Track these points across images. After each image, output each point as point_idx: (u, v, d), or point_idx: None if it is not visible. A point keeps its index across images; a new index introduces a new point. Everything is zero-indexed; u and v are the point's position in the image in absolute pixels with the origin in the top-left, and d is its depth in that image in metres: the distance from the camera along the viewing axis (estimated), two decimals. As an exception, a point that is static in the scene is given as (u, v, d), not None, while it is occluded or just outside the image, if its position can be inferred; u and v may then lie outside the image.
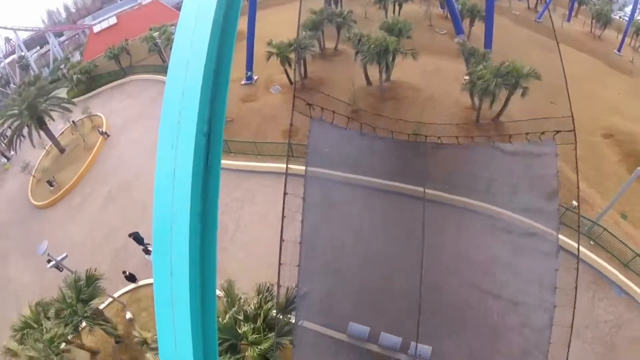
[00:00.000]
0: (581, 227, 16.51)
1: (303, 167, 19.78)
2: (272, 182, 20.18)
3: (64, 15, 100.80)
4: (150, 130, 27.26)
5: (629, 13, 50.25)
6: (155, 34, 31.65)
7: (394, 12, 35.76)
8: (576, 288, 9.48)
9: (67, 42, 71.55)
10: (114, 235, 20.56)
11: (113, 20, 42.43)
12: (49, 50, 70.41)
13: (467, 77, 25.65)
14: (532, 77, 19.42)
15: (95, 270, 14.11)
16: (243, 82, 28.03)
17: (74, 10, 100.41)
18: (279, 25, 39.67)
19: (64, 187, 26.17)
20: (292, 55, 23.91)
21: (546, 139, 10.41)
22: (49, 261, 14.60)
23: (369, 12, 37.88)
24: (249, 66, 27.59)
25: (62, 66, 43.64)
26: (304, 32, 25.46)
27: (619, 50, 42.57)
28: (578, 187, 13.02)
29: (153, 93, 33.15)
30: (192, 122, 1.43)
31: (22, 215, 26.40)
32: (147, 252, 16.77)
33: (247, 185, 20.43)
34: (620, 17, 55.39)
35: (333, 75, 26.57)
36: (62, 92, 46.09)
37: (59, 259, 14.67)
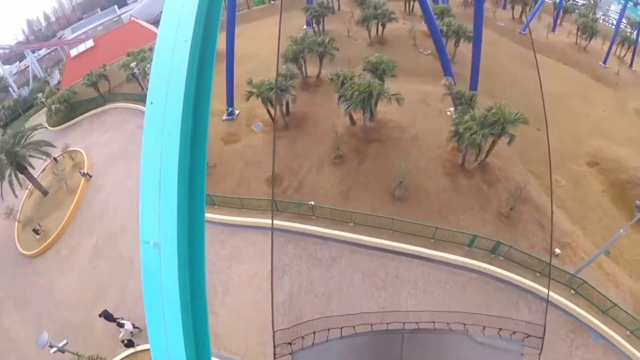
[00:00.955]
0: (562, 278, 16.52)
1: (289, 223, 19.61)
2: (258, 238, 19.86)
3: (43, 23, 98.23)
4: (132, 174, 26.82)
5: (614, 17, 50.28)
6: (133, 64, 30.66)
7: (377, 32, 35.15)
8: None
9: (46, 57, 69.54)
10: (104, 293, 20.31)
11: (90, 44, 41.08)
12: (28, 66, 68.43)
13: (450, 112, 25.44)
14: (520, 123, 19.10)
15: (97, 357, 14.08)
16: (224, 118, 27.34)
17: (53, 19, 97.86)
18: (259, 41, 39.00)
19: (51, 235, 25.67)
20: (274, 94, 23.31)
21: (515, 341, 10.18)
22: (51, 346, 14.77)
23: (352, 30, 37.27)
24: (230, 102, 26.90)
25: (41, 95, 42.26)
26: (284, 65, 24.80)
27: (604, 62, 42.57)
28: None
29: (133, 125, 32.36)
30: (173, 172, 1.39)
31: (11, 263, 25.92)
32: (120, 325, 16.51)
33: (233, 241, 20.03)
34: (603, 19, 55.48)
35: (316, 110, 26.02)
36: (42, 117, 45.14)
37: (60, 345, 14.95)
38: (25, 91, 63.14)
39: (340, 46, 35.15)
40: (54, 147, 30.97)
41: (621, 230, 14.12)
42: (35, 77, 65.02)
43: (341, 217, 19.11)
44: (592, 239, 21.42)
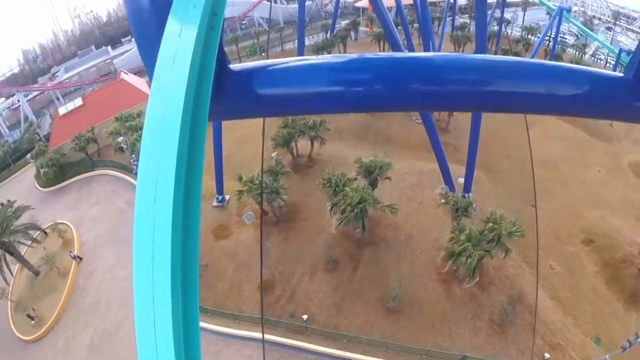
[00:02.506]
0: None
1: (282, 339, 19.08)
2: (253, 351, 19.38)
3: (39, 56, 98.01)
4: (123, 262, 26.22)
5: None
6: (120, 139, 30.03)
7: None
8: None
9: (37, 97, 68.89)
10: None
11: (79, 102, 40.50)
12: (19, 105, 67.70)
13: (441, 193, 24.97)
14: (517, 236, 18.63)
15: None
16: (215, 204, 26.72)
17: (49, 48, 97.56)
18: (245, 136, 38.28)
19: (45, 321, 25.00)
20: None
21: None
22: None
23: None
24: (219, 189, 26.34)
25: (29, 156, 41.71)
26: (272, 155, 24.32)
27: (598, 111, 42.48)
28: None
29: (122, 202, 31.73)
30: (166, 273, 1.42)
31: (9, 347, 25.00)
32: None
33: (229, 354, 19.48)
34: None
35: (308, 201, 25.46)
36: (31, 171, 44.38)
37: None
38: (16, 134, 62.42)
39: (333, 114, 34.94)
40: (42, 230, 30.61)
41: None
42: (26, 118, 64.28)
43: (335, 335, 18.93)
44: (583, 328, 21.36)
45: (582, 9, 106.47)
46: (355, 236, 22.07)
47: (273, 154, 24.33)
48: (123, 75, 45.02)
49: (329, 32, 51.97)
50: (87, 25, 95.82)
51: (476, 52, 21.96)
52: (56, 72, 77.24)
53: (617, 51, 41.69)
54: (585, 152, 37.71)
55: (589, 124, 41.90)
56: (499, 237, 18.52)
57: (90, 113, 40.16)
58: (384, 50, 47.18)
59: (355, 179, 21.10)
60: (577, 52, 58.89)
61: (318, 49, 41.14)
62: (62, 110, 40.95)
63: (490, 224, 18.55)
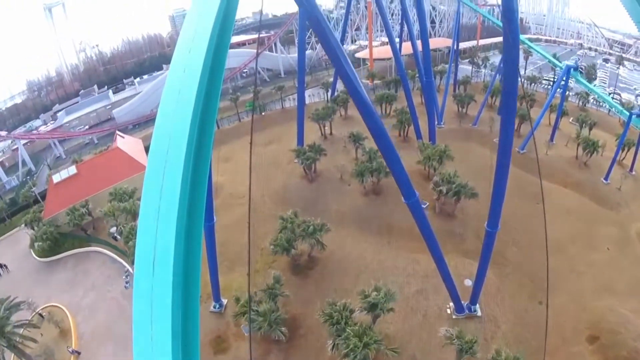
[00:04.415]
0: None
1: None
2: None
3: (43, 88, 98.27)
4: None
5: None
6: (112, 229, 29.20)
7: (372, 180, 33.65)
8: None
9: (36, 140, 68.50)
10: None
11: (73, 171, 39.78)
12: (17, 148, 67.32)
13: (449, 309, 23.90)
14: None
15: None
16: (211, 309, 25.71)
17: (54, 79, 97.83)
18: (247, 169, 37.80)
19: None
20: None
21: None
22: None
23: (345, 171, 35.85)
24: (216, 296, 25.33)
25: (23, 225, 41.11)
26: (273, 272, 23.33)
27: (606, 178, 41.52)
28: None
29: (118, 292, 30.82)
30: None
31: None
32: None
33: None
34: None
35: (308, 312, 24.23)
36: (26, 234, 43.52)
37: None
38: (14, 181, 61.89)
39: (332, 193, 34.07)
40: (38, 312, 30.20)
41: None
42: (24, 164, 63.79)
43: None
44: None
45: (579, 42, 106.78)
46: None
47: (274, 272, 23.32)
48: (119, 140, 44.38)
49: (329, 91, 51.39)
50: (91, 60, 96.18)
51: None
52: (58, 111, 77.13)
53: (628, 114, 40.84)
54: (594, 227, 36.55)
55: (596, 190, 40.98)
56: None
57: (85, 183, 39.48)
58: (386, 112, 46.60)
59: (357, 310, 20.05)
60: (580, 101, 58.31)
61: (319, 119, 40.45)
62: (56, 178, 40.23)
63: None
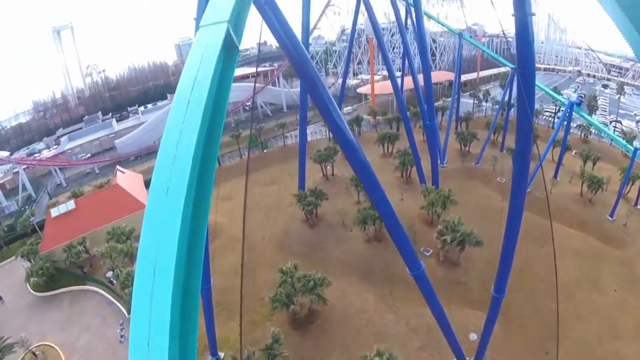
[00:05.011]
0: None
1: None
2: None
3: (49, 109, 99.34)
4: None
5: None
6: (109, 274, 28.60)
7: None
8: None
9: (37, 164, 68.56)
10: None
11: (71, 205, 39.53)
12: (17, 171, 67.29)
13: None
14: None
15: None
16: (208, 362, 24.78)
17: (60, 102, 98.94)
18: (249, 211, 37.35)
19: None
20: None
21: None
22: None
23: (347, 217, 35.32)
24: (213, 350, 24.46)
25: (20, 257, 40.70)
26: (272, 329, 22.51)
27: (611, 215, 40.94)
28: None
29: (113, 335, 29.96)
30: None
31: None
32: None
33: None
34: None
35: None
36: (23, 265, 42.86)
37: None
38: (13, 206, 61.60)
39: (334, 239, 33.48)
40: (30, 350, 29.61)
41: None
42: (24, 189, 63.59)
43: None
44: None
45: (577, 68, 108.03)
46: None
47: (273, 329, 22.56)
48: (119, 176, 44.22)
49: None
50: (96, 85, 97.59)
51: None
52: (61, 136, 77.60)
53: (632, 149, 40.58)
54: (600, 268, 35.89)
55: (601, 228, 40.30)
56: None
57: (83, 218, 39.17)
58: (388, 151, 46.55)
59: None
60: (582, 133, 58.36)
61: (321, 160, 40.30)
62: (54, 212, 39.95)
63: None
